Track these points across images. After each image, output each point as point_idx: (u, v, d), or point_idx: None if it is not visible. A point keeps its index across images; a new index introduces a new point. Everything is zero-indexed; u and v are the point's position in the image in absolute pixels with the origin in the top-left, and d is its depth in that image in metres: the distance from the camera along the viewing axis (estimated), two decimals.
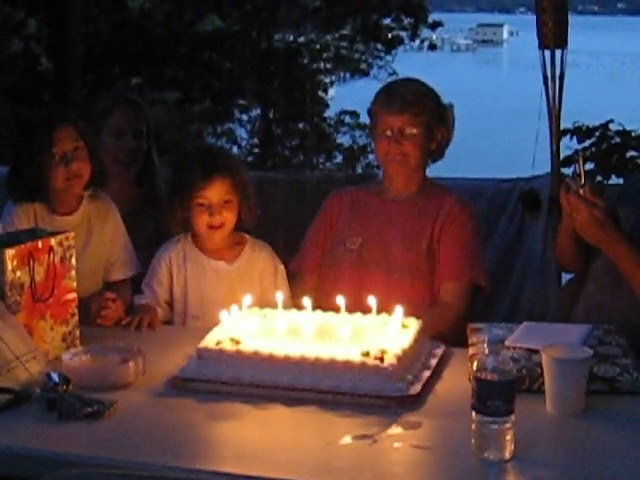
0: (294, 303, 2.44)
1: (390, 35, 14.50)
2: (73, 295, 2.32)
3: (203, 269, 2.70)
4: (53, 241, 2.24)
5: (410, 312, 2.25)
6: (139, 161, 3.23)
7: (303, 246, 2.91)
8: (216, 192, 2.61)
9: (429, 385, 2.02)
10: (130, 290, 2.81)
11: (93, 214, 2.77)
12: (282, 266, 2.81)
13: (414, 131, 2.69)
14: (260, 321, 2.23)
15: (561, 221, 2.55)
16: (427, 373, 2.06)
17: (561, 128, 3.60)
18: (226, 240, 2.71)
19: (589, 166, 4.71)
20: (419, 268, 2.72)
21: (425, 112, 2.70)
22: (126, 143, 3.14)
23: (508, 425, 1.66)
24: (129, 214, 2.96)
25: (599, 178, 4.71)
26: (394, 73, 14.66)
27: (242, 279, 2.70)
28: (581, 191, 2.31)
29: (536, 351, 1.99)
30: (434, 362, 2.13)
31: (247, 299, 2.29)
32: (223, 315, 2.21)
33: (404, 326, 2.16)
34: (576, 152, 5.05)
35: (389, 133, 2.70)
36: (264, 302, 2.44)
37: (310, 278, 2.82)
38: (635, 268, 2.31)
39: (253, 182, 2.77)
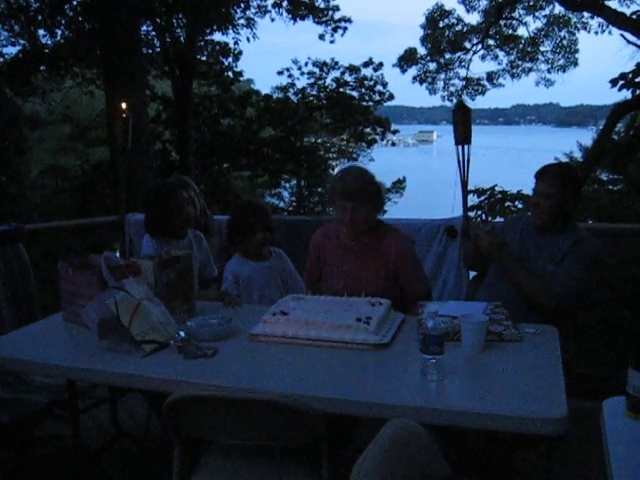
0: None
1: (369, 138, 14.57)
2: (193, 287, 2.33)
3: (255, 269, 2.67)
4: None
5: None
6: (198, 219, 3.07)
7: (307, 265, 2.65)
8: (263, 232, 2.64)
9: (395, 337, 2.01)
10: (216, 283, 2.82)
11: (193, 240, 2.81)
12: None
13: (363, 209, 2.36)
14: (298, 301, 2.22)
15: (468, 245, 2.56)
16: (394, 330, 2.05)
17: (468, 189, 3.61)
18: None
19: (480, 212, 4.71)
20: (384, 294, 2.29)
21: (364, 197, 2.35)
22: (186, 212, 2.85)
23: (440, 360, 1.67)
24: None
25: (492, 219, 4.72)
26: (372, 159, 14.90)
27: (275, 269, 2.70)
28: (486, 229, 2.38)
29: (456, 317, 1.98)
30: (398, 324, 2.12)
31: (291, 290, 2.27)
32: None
33: (380, 304, 2.15)
34: (483, 206, 5.10)
35: (342, 210, 2.38)
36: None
37: (310, 286, 2.57)
38: (515, 272, 2.35)
39: (291, 223, 2.71)
